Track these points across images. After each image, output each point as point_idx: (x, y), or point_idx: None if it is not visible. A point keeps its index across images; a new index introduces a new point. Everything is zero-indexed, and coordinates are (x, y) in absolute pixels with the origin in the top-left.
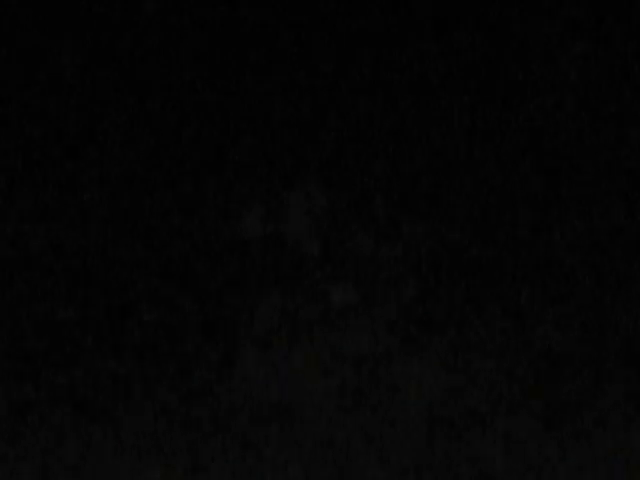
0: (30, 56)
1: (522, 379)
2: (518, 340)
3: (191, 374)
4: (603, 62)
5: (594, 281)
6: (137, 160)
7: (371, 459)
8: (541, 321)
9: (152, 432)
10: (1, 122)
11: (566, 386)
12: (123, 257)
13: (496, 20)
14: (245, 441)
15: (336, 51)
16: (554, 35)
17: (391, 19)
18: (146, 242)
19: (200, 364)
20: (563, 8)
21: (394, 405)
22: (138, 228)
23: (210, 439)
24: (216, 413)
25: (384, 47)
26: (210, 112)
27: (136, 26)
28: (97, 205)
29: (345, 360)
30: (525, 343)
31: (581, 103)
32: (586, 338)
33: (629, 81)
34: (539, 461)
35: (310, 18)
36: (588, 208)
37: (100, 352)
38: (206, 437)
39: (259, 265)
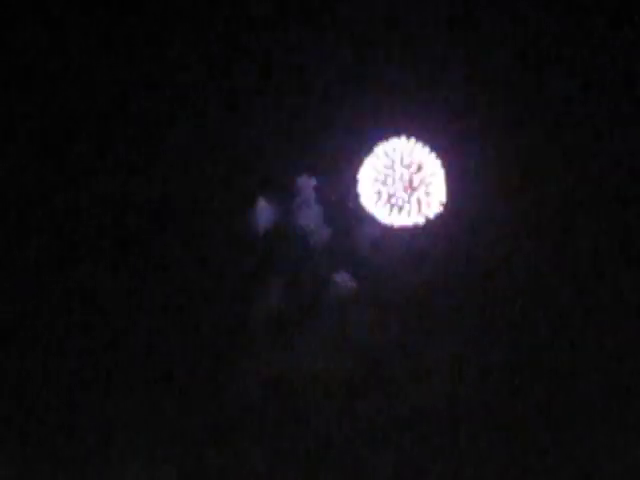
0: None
1: (525, 371)
2: (520, 325)
3: (198, 360)
4: None
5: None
6: (149, 155)
7: (375, 445)
8: (541, 318)
9: (154, 418)
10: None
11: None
12: (134, 243)
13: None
14: (250, 426)
15: (350, 45)
16: None
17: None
18: (153, 233)
19: (207, 350)
20: None
21: (397, 391)
22: (149, 219)
23: (214, 425)
24: (221, 398)
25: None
26: (217, 110)
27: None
28: (112, 199)
29: (350, 347)
30: (528, 331)
31: None
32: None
33: None
34: (540, 456)
35: (317, 17)
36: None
37: (107, 341)
38: (210, 423)
39: (267, 254)
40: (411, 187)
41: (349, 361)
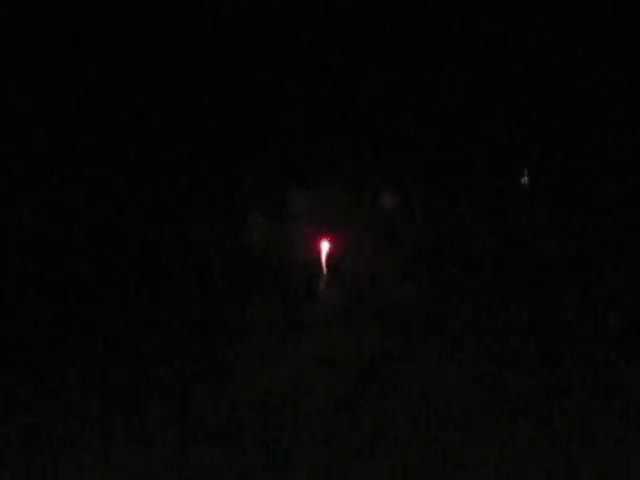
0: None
1: (520, 377)
2: (516, 338)
3: (191, 370)
4: None
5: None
6: (148, 167)
7: (366, 455)
8: (539, 321)
9: (150, 426)
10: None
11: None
12: (127, 256)
13: None
14: (241, 435)
15: (347, 58)
16: None
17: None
18: (145, 246)
19: (199, 360)
20: None
21: (388, 403)
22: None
23: (207, 434)
24: (214, 407)
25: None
26: (216, 123)
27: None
28: (108, 215)
29: (341, 359)
30: (524, 341)
31: None
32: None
33: None
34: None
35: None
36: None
37: (103, 353)
38: (203, 432)
39: (259, 266)
40: None
41: (336, 376)
